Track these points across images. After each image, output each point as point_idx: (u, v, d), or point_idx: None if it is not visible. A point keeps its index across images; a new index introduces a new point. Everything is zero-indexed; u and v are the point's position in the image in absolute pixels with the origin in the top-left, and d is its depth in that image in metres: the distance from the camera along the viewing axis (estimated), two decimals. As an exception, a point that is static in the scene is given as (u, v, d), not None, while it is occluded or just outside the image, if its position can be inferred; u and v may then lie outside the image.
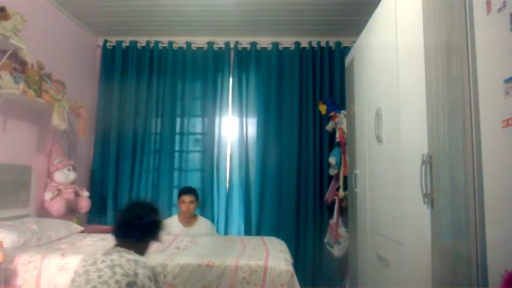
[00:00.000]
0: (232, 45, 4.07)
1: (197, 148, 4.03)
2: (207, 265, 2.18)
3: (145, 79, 4.00)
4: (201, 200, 3.83)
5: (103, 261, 1.50)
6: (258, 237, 3.13)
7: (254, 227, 3.85)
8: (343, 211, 3.46)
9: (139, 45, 4.07)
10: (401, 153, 1.91)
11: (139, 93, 4.00)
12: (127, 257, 1.51)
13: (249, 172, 3.93)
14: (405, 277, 1.85)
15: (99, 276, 1.45)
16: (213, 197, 3.90)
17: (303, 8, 3.43)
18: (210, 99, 3.99)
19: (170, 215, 3.73)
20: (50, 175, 3.20)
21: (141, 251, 1.67)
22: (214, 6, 3.42)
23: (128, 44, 4.07)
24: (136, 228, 1.66)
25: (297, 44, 4.00)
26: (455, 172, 1.40)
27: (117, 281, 1.43)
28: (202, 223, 3.38)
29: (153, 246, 2.40)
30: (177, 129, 4.01)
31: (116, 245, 1.63)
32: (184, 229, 3.27)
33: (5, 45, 2.57)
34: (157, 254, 2.30)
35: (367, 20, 2.55)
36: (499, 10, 1.14)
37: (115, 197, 3.88)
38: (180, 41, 4.07)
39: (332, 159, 3.58)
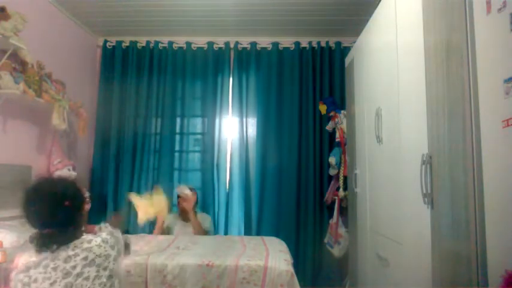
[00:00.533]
0: (232, 45, 4.06)
1: (197, 148, 4.03)
2: (207, 265, 2.18)
3: (145, 79, 4.00)
4: (201, 200, 3.84)
5: (54, 268, 1.35)
6: (258, 237, 3.13)
7: (254, 227, 3.84)
8: (343, 211, 3.46)
9: (139, 45, 4.07)
10: (401, 153, 1.91)
11: (139, 93, 4.00)
12: (73, 254, 1.37)
13: (249, 172, 3.93)
14: (405, 277, 1.85)
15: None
16: (213, 197, 3.90)
17: (303, 8, 3.43)
18: (210, 99, 3.99)
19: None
20: (50, 175, 3.20)
21: (78, 232, 1.47)
22: (214, 6, 3.42)
23: (128, 44, 4.07)
24: (64, 211, 1.41)
25: (297, 44, 4.00)
26: (455, 172, 1.40)
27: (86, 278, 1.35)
28: (199, 217, 3.46)
29: (154, 246, 2.40)
30: (177, 129, 4.01)
31: (52, 242, 1.39)
32: (183, 222, 3.41)
33: (5, 45, 2.57)
34: (157, 254, 2.31)
35: (367, 20, 2.55)
36: (499, 10, 1.14)
37: (115, 197, 3.88)
38: (180, 41, 4.07)
39: (332, 159, 3.58)
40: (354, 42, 2.96)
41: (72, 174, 3.28)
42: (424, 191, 1.60)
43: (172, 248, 2.54)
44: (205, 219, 3.52)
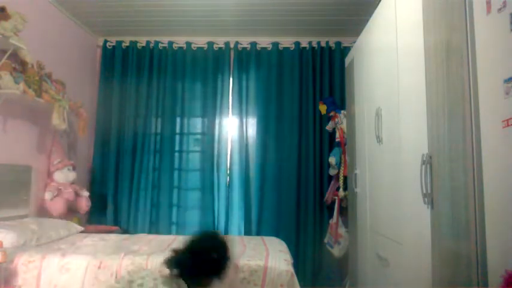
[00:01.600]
0: (232, 45, 4.07)
1: (197, 148, 4.03)
2: (207, 265, 2.17)
3: (145, 79, 4.00)
4: (202, 200, 3.85)
5: None
6: (258, 237, 3.13)
7: (254, 227, 3.84)
8: (343, 211, 3.46)
9: (139, 45, 4.07)
10: (401, 153, 1.91)
11: (139, 93, 4.00)
12: None
13: (249, 172, 3.93)
14: (405, 277, 1.85)
15: None
16: (213, 197, 3.90)
17: (303, 8, 3.43)
18: (210, 100, 3.99)
19: (170, 215, 3.74)
20: (50, 175, 3.20)
21: None
22: (214, 6, 3.42)
23: (128, 44, 4.07)
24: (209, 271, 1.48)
25: (297, 44, 4.00)
26: (455, 172, 1.40)
27: None
28: None
29: (154, 246, 2.38)
30: (177, 129, 4.01)
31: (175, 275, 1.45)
32: None
33: (5, 45, 2.57)
34: (157, 254, 2.31)
35: (367, 20, 2.55)
36: (499, 10, 1.14)
37: (115, 197, 3.88)
38: (180, 41, 4.07)
39: (332, 159, 3.58)
40: (354, 42, 2.96)
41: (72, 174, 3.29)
42: (424, 191, 1.60)
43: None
44: None
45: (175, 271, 1.45)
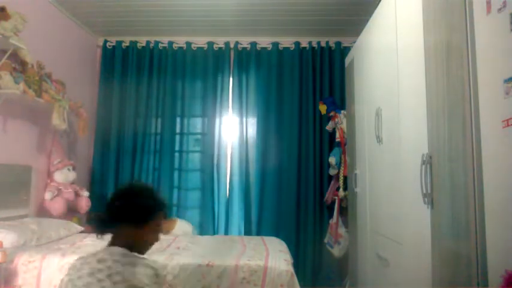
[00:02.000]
0: (232, 45, 4.07)
1: (197, 148, 4.03)
2: (207, 265, 2.18)
3: (145, 79, 4.00)
4: (201, 200, 3.85)
5: (100, 270, 1.30)
6: (258, 237, 3.13)
7: (254, 227, 3.84)
8: (343, 211, 3.46)
9: (139, 45, 4.07)
10: (401, 153, 1.91)
11: (139, 93, 4.00)
12: (123, 261, 1.32)
13: (249, 172, 3.93)
14: (405, 277, 1.85)
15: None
16: (213, 197, 3.90)
17: (303, 8, 3.43)
18: (210, 99, 4.00)
19: (171, 215, 3.74)
20: (50, 175, 3.20)
21: (141, 246, 1.45)
22: (214, 6, 3.42)
23: (128, 44, 4.07)
24: (133, 214, 1.41)
25: (297, 44, 4.00)
26: (455, 172, 1.40)
27: None
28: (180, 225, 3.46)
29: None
30: (177, 129, 4.01)
31: (110, 244, 1.40)
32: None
33: (5, 45, 2.58)
34: (157, 254, 2.31)
35: (367, 20, 2.55)
36: (499, 10, 1.14)
37: (115, 197, 3.87)
38: (180, 41, 4.07)
39: (332, 159, 3.58)
40: (354, 42, 2.96)
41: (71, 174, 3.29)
42: (424, 191, 1.60)
43: (172, 248, 2.54)
44: (187, 229, 3.52)
45: (108, 230, 1.42)
